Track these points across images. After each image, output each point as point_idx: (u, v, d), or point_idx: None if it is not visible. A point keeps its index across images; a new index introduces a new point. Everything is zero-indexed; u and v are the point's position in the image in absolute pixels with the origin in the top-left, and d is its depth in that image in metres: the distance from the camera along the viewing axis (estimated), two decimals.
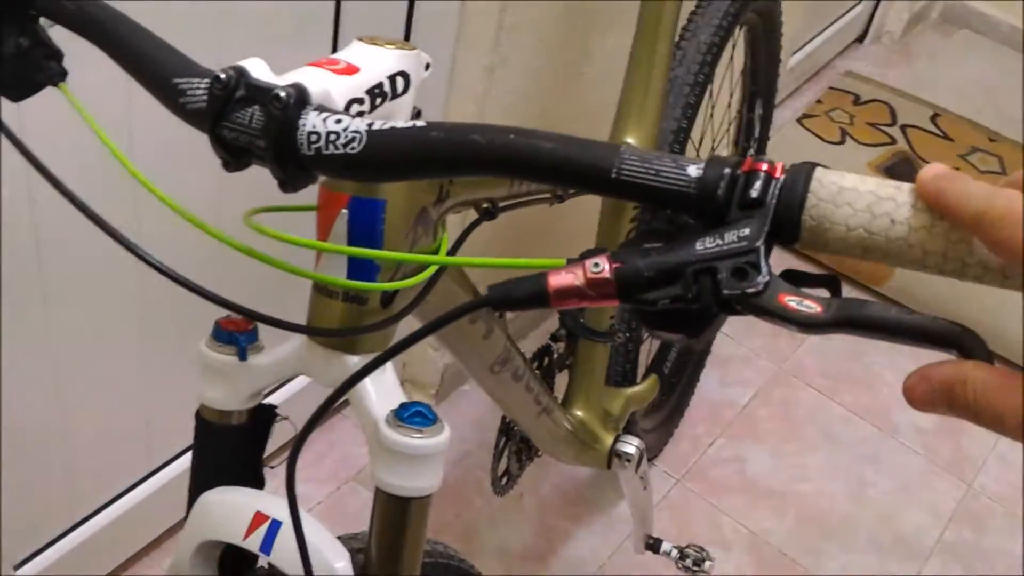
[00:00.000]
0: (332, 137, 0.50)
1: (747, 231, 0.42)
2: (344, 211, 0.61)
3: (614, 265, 0.44)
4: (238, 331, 0.66)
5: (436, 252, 0.68)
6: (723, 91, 1.35)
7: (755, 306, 0.42)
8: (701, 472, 1.69)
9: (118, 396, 1.22)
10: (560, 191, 0.88)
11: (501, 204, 0.77)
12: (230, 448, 0.70)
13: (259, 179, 0.59)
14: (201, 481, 0.70)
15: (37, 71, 0.62)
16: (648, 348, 1.44)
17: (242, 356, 0.66)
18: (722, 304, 0.42)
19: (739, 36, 1.32)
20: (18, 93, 0.62)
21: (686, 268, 0.43)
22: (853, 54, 2.73)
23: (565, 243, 1.13)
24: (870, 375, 1.88)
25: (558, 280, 0.45)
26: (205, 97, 0.53)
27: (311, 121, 0.51)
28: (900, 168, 2.28)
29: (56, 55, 0.62)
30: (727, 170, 0.43)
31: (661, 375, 1.37)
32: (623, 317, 1.24)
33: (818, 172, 0.43)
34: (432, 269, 0.66)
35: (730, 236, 0.42)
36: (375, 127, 0.50)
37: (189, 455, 1.37)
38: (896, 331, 0.41)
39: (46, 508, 1.24)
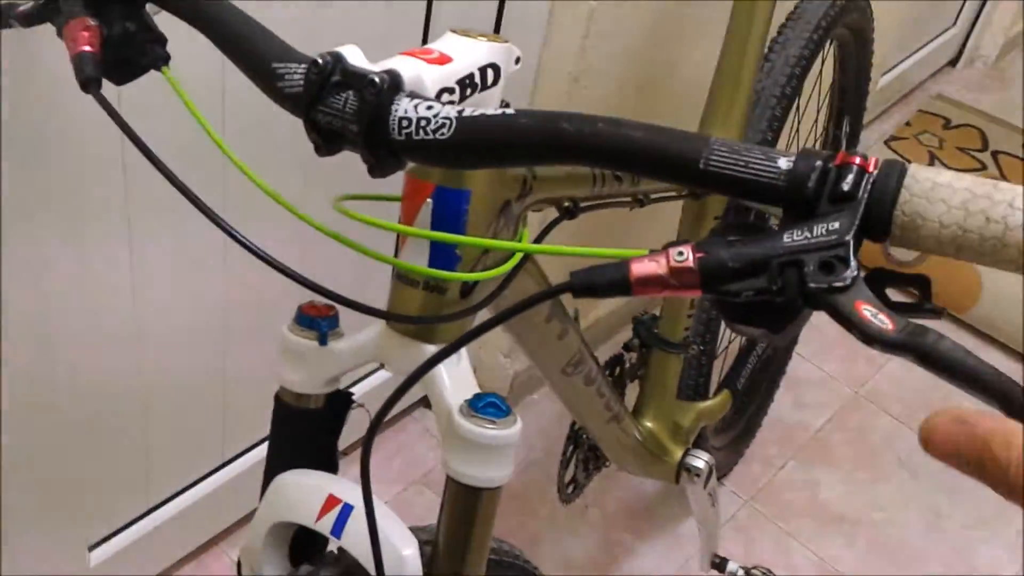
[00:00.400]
0: (423, 123, 0.51)
1: (837, 225, 0.42)
2: (429, 200, 0.61)
3: (698, 255, 0.44)
4: (320, 316, 0.68)
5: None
6: (810, 106, 1.34)
7: (834, 304, 0.41)
8: (771, 494, 1.66)
9: (198, 383, 1.25)
10: (642, 195, 0.88)
11: (582, 204, 0.77)
12: (306, 432, 0.71)
13: (342, 167, 0.61)
14: (277, 463, 0.71)
15: (141, 55, 0.64)
16: (721, 363, 1.43)
17: (322, 341, 0.67)
18: (807, 298, 0.42)
19: (829, 50, 1.30)
20: (121, 76, 0.65)
21: (772, 260, 0.42)
22: (945, 77, 2.68)
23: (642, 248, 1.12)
24: (949, 404, 1.83)
25: (641, 268, 0.44)
26: (302, 82, 0.54)
27: (403, 107, 0.51)
28: None
29: (160, 39, 0.64)
30: (819, 162, 0.43)
31: (734, 391, 1.36)
32: (698, 329, 1.23)
33: (912, 168, 0.42)
34: (513, 261, 0.66)
35: (819, 229, 0.42)
36: (465, 113, 0.50)
37: (263, 447, 1.41)
38: (960, 374, 0.39)
39: (122, 492, 1.27)
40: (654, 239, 1.39)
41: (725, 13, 1.06)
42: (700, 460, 1.20)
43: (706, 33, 1.35)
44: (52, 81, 0.83)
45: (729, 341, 1.42)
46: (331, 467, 0.72)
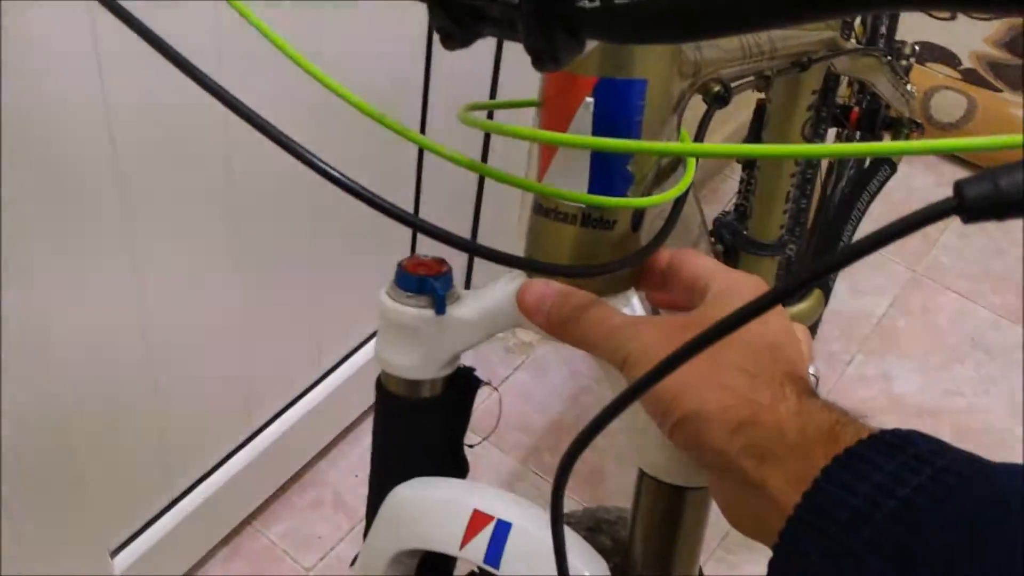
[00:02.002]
0: None
1: None
2: (588, 99, 0.43)
3: None
4: (432, 275, 0.50)
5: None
6: None
7: None
8: (842, 394, 1.52)
9: (212, 357, 1.07)
10: (774, 68, 0.70)
11: (733, 85, 0.59)
12: (425, 427, 0.53)
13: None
14: (388, 471, 0.54)
15: None
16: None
17: (439, 308, 0.49)
18: None
19: None
20: None
21: None
22: None
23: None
24: (1014, 272, 1.70)
25: None
26: None
27: None
28: (1020, 41, 2.06)
29: None
30: None
31: (825, 288, 1.20)
32: (789, 224, 1.06)
33: None
34: (690, 173, 0.48)
35: None
36: None
37: (290, 413, 1.23)
38: None
39: (141, 488, 1.10)
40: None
41: None
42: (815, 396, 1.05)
43: None
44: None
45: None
46: (459, 469, 0.55)
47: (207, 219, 0.95)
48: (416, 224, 0.41)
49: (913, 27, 1.81)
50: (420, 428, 0.53)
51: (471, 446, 0.56)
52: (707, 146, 0.45)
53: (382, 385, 0.53)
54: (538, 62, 0.36)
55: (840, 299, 1.62)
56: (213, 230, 0.96)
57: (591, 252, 0.47)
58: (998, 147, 0.31)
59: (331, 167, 0.39)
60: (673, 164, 0.49)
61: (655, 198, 0.46)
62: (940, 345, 1.60)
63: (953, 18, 2.14)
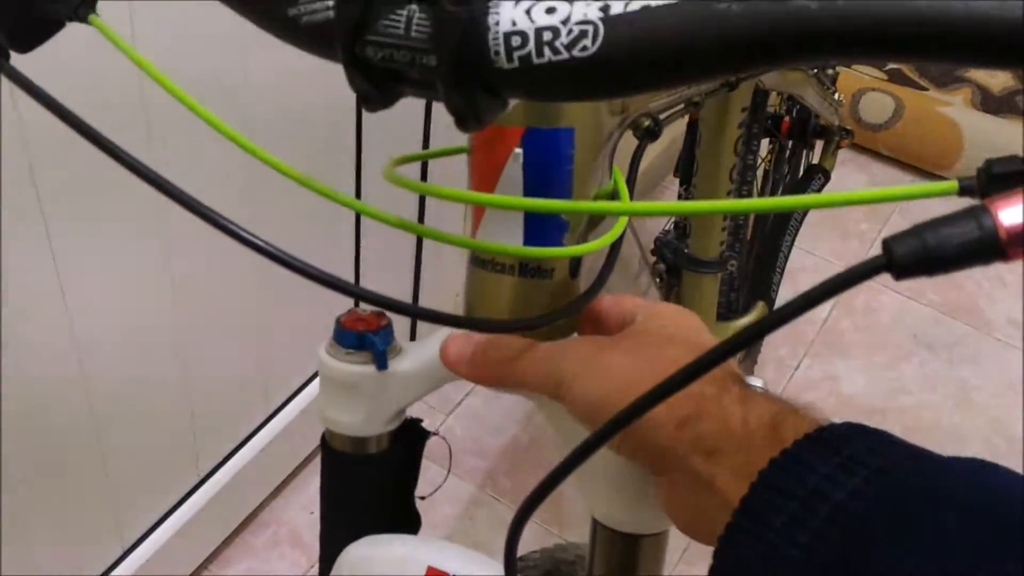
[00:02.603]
0: (546, 36, 0.32)
1: None
2: (517, 150, 0.43)
3: None
4: (371, 330, 0.49)
5: (614, 194, 0.51)
6: None
7: None
8: (792, 398, 1.54)
9: (155, 395, 1.05)
10: (700, 96, 0.70)
11: (661, 118, 0.59)
12: (373, 483, 0.53)
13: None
14: (338, 528, 0.53)
15: (54, 4, 0.43)
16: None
17: (381, 364, 0.49)
18: None
19: None
20: (28, 38, 0.44)
21: None
22: None
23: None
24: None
25: (1015, 215, 0.27)
26: (331, 3, 0.35)
27: (507, 16, 0.33)
28: None
29: None
30: None
31: (768, 300, 1.21)
32: (728, 240, 1.07)
33: None
34: (622, 223, 0.48)
35: None
36: (614, 11, 0.32)
37: (241, 455, 1.22)
38: None
39: (90, 538, 1.07)
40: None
41: None
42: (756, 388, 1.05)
43: None
44: None
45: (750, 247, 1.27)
46: (410, 524, 0.54)
47: (144, 254, 0.93)
48: (354, 292, 0.40)
49: None
50: (369, 485, 0.52)
51: (422, 498, 0.55)
52: (639, 205, 0.45)
53: (327, 443, 0.52)
54: (461, 123, 0.35)
55: (783, 303, 1.64)
56: (152, 267, 0.95)
57: (531, 302, 0.46)
58: (928, 195, 0.31)
59: (262, 240, 0.38)
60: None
61: (590, 245, 0.45)
62: (885, 344, 1.62)
63: None
